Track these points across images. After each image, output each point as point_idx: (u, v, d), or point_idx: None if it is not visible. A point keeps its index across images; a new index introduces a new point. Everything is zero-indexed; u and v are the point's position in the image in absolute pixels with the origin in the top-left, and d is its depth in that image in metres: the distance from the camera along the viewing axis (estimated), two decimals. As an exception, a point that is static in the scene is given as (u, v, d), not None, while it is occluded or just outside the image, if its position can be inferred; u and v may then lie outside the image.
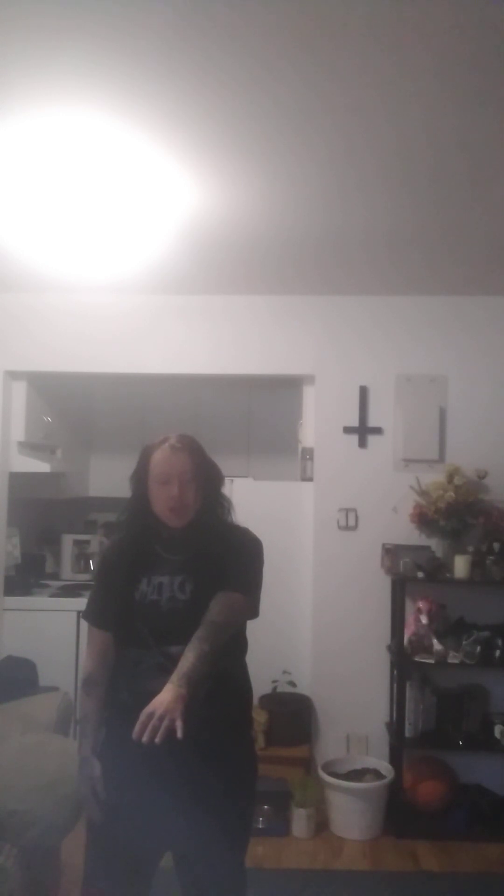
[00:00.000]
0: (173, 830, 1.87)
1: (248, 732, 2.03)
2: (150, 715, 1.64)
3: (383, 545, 3.92)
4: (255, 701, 3.78)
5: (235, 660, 1.97)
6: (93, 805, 1.90)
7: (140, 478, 1.97)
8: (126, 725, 1.69)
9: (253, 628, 2.01)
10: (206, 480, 1.98)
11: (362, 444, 4.01)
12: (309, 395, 4.15)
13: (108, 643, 1.99)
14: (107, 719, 1.97)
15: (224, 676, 1.87)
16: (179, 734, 1.61)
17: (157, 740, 1.61)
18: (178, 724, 1.62)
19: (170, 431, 2.03)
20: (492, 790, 3.78)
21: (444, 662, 3.61)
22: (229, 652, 1.87)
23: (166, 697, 1.66)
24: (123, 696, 1.89)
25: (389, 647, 3.90)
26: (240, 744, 1.98)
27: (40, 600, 4.38)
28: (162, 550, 1.97)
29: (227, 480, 2.08)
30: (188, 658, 1.74)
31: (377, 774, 3.65)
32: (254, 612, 1.96)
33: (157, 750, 1.64)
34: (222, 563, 1.92)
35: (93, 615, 2.04)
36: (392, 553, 3.82)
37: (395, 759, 3.68)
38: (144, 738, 1.62)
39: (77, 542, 5.00)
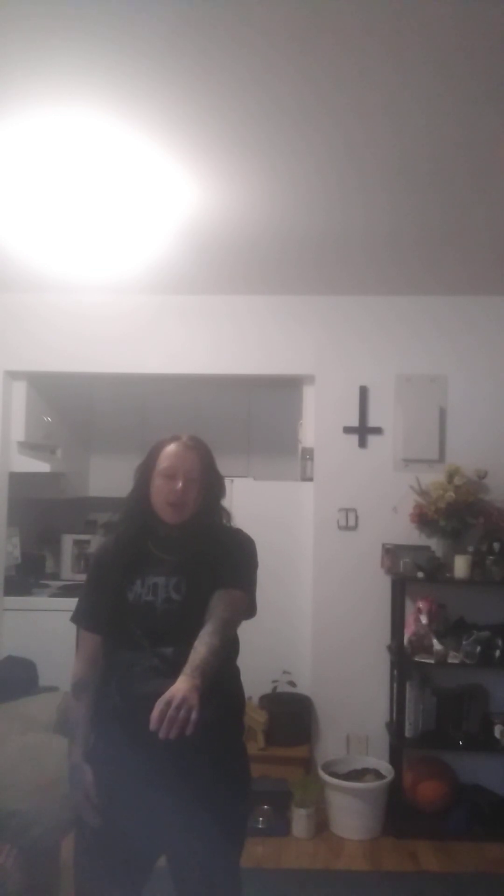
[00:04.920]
0: (167, 834, 1.85)
1: (240, 734, 2.01)
2: (168, 703, 1.57)
3: (383, 545, 3.92)
4: (255, 701, 3.82)
5: (228, 661, 1.94)
6: (88, 811, 1.86)
7: (145, 470, 1.96)
8: (117, 730, 1.66)
9: (253, 628, 2.00)
10: (209, 485, 1.97)
11: (362, 444, 4.02)
12: (309, 395, 4.15)
13: (99, 646, 1.96)
14: (97, 724, 1.92)
15: (218, 678, 1.84)
16: (190, 730, 1.55)
17: (172, 736, 1.53)
18: (194, 717, 1.55)
19: (171, 431, 2.02)
20: (492, 790, 3.78)
21: (444, 662, 3.61)
22: None
23: (182, 686, 1.60)
24: (115, 701, 1.85)
25: (389, 647, 3.90)
26: (232, 745, 1.95)
27: (40, 600, 4.37)
28: (156, 550, 1.95)
29: (227, 480, 2.07)
30: (199, 652, 1.70)
31: (377, 774, 3.65)
32: (252, 611, 1.94)
33: (149, 753, 1.60)
34: (218, 563, 1.90)
35: (84, 618, 2.01)
36: (392, 553, 3.82)
37: (395, 759, 3.68)
38: (161, 734, 1.54)
39: (77, 542, 5.01)
